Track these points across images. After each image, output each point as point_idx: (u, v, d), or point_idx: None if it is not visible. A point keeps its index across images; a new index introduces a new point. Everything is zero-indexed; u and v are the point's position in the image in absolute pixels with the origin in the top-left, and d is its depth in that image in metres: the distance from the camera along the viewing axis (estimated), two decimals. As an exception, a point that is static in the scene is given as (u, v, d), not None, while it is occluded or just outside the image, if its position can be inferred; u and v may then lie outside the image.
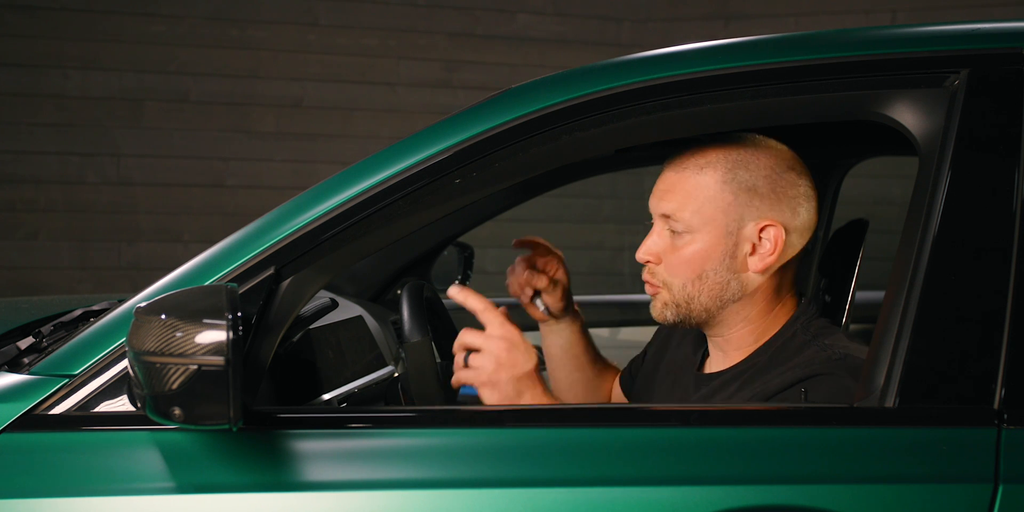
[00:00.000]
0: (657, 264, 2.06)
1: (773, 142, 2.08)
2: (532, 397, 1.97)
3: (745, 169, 2.02)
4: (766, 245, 2.02)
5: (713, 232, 2.02)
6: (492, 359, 1.97)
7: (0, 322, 2.51)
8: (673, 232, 2.04)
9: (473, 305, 2.00)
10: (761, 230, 2.02)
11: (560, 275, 2.37)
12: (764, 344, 2.06)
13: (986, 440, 1.73)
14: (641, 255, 2.06)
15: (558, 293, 2.37)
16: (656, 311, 2.08)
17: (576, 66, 2.03)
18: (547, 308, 2.36)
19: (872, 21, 6.14)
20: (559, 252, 2.39)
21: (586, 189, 5.94)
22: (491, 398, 1.97)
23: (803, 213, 2.04)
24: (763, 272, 2.04)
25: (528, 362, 1.97)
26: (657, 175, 2.10)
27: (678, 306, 2.05)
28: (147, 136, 5.97)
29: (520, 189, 3.22)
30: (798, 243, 2.05)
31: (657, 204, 2.06)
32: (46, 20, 5.80)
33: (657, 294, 2.07)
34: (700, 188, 2.02)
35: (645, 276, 2.08)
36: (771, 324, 2.07)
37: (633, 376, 2.41)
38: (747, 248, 2.03)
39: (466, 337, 1.99)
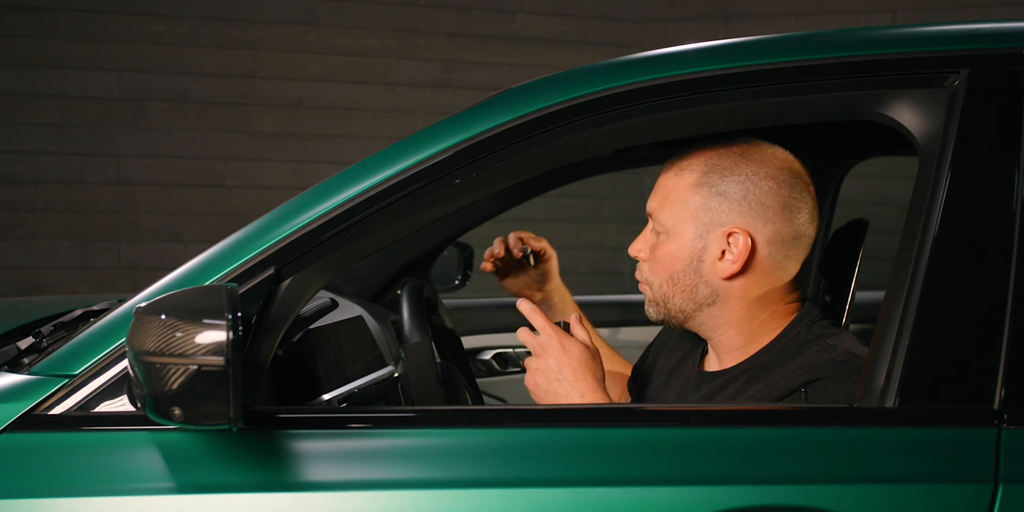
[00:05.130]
0: (645, 261, 2.10)
1: (772, 150, 2.04)
2: (592, 391, 2.00)
3: (719, 174, 2.01)
4: (732, 252, 2.02)
5: (683, 234, 2.03)
6: (551, 354, 2.01)
7: (0, 322, 2.51)
8: (656, 231, 2.07)
9: (536, 322, 2.04)
10: (728, 236, 2.01)
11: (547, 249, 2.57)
12: (767, 345, 2.05)
13: (986, 440, 1.72)
14: (630, 251, 2.12)
15: (546, 268, 2.57)
16: (646, 307, 2.12)
17: (576, 66, 2.03)
18: (535, 254, 2.55)
19: (872, 21, 6.13)
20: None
21: (586, 189, 5.94)
22: (557, 394, 2.00)
23: (780, 224, 2.01)
24: (729, 279, 2.02)
25: (584, 352, 2.02)
26: (657, 175, 2.11)
27: (656, 304, 2.09)
28: (147, 136, 5.97)
29: (520, 189, 3.22)
30: (776, 254, 2.02)
31: (648, 203, 2.10)
32: (46, 20, 5.80)
33: (643, 291, 2.12)
34: (676, 190, 2.03)
35: (636, 273, 2.13)
36: (762, 329, 2.06)
37: (635, 378, 2.41)
38: (716, 253, 2.02)
39: (522, 335, 2.04)
